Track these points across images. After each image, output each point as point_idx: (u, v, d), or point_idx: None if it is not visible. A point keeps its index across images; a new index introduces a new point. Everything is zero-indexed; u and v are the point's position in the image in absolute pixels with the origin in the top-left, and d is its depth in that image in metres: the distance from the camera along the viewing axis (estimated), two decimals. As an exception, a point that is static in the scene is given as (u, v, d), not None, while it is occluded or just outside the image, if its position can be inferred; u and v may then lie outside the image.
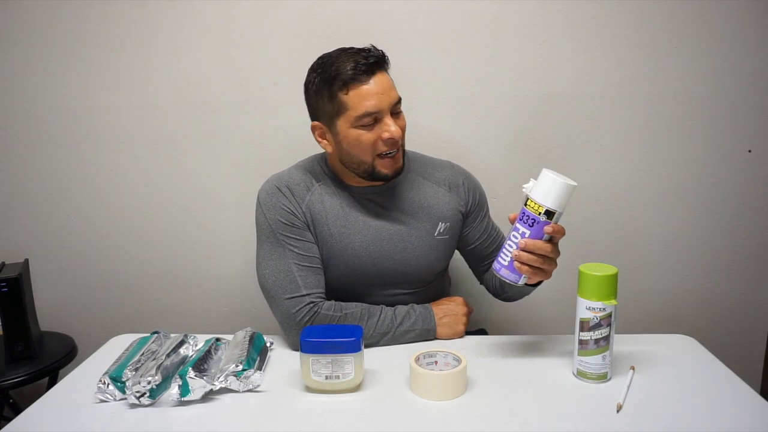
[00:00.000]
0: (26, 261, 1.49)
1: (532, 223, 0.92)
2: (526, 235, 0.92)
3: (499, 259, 0.96)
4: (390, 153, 1.08)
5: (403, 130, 1.10)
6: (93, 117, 1.53)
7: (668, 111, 1.50)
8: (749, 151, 1.52)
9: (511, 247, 0.94)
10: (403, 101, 1.08)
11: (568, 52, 1.46)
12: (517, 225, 0.94)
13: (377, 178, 1.11)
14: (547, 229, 0.91)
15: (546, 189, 0.90)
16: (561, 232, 0.93)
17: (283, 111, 1.47)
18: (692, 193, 1.55)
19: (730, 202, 1.55)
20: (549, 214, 0.90)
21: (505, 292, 1.21)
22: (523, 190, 0.93)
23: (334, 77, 1.04)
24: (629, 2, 1.43)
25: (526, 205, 0.92)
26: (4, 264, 1.47)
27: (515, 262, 0.93)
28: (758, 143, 1.51)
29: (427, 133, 1.50)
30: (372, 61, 1.04)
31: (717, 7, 1.43)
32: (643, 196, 1.55)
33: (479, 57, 1.47)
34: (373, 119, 1.05)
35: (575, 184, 0.91)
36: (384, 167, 1.09)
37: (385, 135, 1.06)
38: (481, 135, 1.51)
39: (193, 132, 1.53)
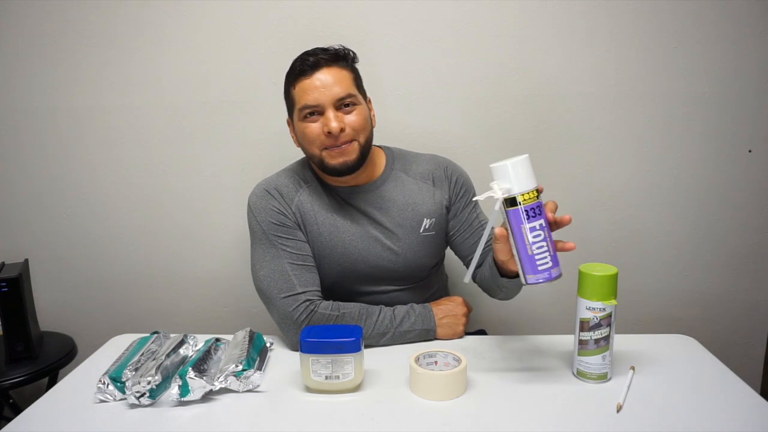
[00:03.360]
0: (26, 261, 1.49)
1: (539, 210, 0.84)
2: (544, 225, 0.84)
3: (538, 268, 0.84)
4: (335, 146, 1.08)
5: (353, 125, 1.08)
6: (93, 117, 1.53)
7: (668, 111, 1.50)
8: (749, 151, 1.52)
9: (542, 247, 0.84)
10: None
11: (568, 51, 1.46)
12: (525, 227, 0.83)
13: (328, 172, 1.12)
14: (550, 205, 0.87)
15: (520, 175, 0.83)
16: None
17: (282, 111, 1.47)
18: (692, 193, 1.55)
19: (730, 202, 1.55)
20: (539, 192, 0.85)
21: (500, 293, 1.19)
22: (495, 197, 0.84)
23: (289, 74, 1.11)
24: (628, 2, 1.43)
25: (514, 206, 0.83)
26: (4, 264, 1.47)
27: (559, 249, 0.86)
28: (758, 143, 1.51)
29: (428, 134, 1.50)
30: (320, 56, 1.07)
31: (717, 7, 1.43)
32: (643, 196, 1.55)
33: (482, 57, 1.47)
34: (315, 112, 1.08)
35: (526, 154, 0.84)
36: (330, 158, 1.09)
37: (324, 129, 1.07)
38: (482, 135, 1.51)
39: (193, 132, 1.53)
